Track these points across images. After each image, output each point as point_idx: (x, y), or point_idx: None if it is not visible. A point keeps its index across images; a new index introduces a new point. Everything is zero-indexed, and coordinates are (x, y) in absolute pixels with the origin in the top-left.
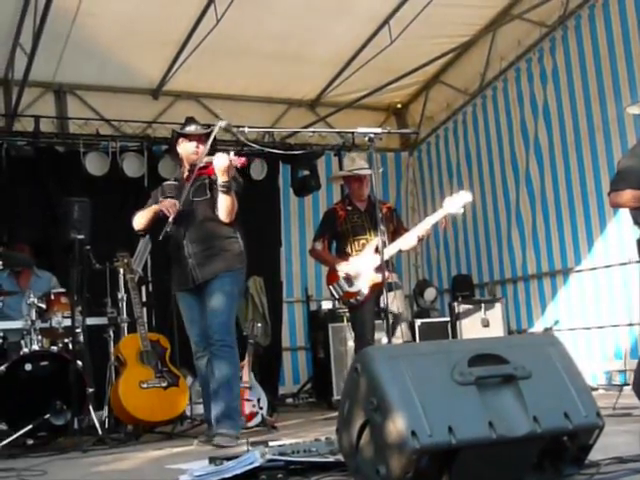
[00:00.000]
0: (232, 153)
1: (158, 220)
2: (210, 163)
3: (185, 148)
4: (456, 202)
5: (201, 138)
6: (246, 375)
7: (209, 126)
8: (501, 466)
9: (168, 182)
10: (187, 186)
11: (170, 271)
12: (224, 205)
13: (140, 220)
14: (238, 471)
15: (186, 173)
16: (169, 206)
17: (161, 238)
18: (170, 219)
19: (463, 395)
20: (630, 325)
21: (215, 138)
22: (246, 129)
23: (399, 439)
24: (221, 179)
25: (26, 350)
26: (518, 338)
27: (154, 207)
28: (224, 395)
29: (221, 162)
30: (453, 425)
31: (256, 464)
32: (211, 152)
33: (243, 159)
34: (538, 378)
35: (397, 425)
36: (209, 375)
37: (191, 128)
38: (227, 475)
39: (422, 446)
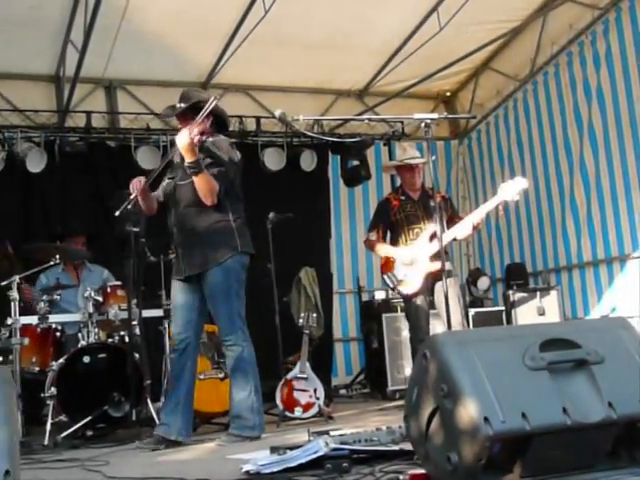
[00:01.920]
0: (196, 131)
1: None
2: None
3: None
4: (512, 189)
5: (186, 117)
6: (302, 365)
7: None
8: (575, 453)
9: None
10: (177, 168)
11: None
12: (198, 187)
13: None
14: (303, 460)
15: None
16: (134, 182)
17: (117, 214)
18: (132, 196)
19: (535, 380)
20: None
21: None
22: (301, 118)
23: (471, 425)
24: (186, 160)
25: (84, 342)
26: (589, 322)
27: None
28: (235, 394)
29: (179, 141)
30: (526, 411)
31: (321, 453)
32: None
33: (199, 136)
34: (611, 362)
35: (469, 411)
36: (176, 373)
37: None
38: (292, 464)
39: (495, 432)
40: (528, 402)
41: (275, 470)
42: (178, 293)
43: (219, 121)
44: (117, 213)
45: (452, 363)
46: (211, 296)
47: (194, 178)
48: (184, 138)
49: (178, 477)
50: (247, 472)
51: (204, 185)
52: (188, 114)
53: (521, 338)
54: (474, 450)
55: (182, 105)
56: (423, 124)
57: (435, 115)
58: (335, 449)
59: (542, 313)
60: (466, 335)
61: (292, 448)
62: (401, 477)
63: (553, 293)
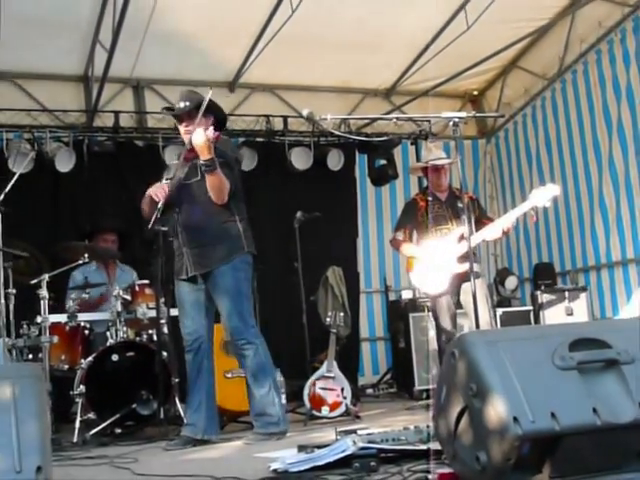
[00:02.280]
0: (211, 129)
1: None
2: None
3: (180, 129)
4: (543, 195)
5: (190, 116)
6: (330, 365)
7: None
8: (605, 454)
9: (174, 162)
10: (180, 167)
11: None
12: (210, 185)
13: (144, 207)
14: (330, 459)
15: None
16: (157, 190)
17: (150, 227)
18: (159, 204)
19: (565, 380)
20: None
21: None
22: (329, 117)
23: (500, 425)
24: (201, 158)
25: (112, 341)
26: (619, 322)
27: (147, 192)
28: (256, 392)
29: (197, 139)
30: (556, 411)
31: (348, 452)
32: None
33: (216, 133)
34: None
35: (498, 411)
36: (194, 373)
37: (179, 106)
38: (320, 462)
39: (525, 432)
40: (558, 402)
41: (303, 469)
42: (186, 293)
43: (219, 120)
44: (149, 226)
45: (481, 362)
46: (220, 296)
47: (208, 176)
48: (201, 136)
49: (207, 475)
50: (275, 470)
51: (217, 183)
52: (193, 113)
53: (550, 337)
54: (503, 450)
55: (187, 104)
56: (451, 123)
57: (463, 114)
58: (363, 448)
59: (570, 313)
60: (495, 334)
61: (320, 447)
62: (429, 476)
63: (582, 294)
